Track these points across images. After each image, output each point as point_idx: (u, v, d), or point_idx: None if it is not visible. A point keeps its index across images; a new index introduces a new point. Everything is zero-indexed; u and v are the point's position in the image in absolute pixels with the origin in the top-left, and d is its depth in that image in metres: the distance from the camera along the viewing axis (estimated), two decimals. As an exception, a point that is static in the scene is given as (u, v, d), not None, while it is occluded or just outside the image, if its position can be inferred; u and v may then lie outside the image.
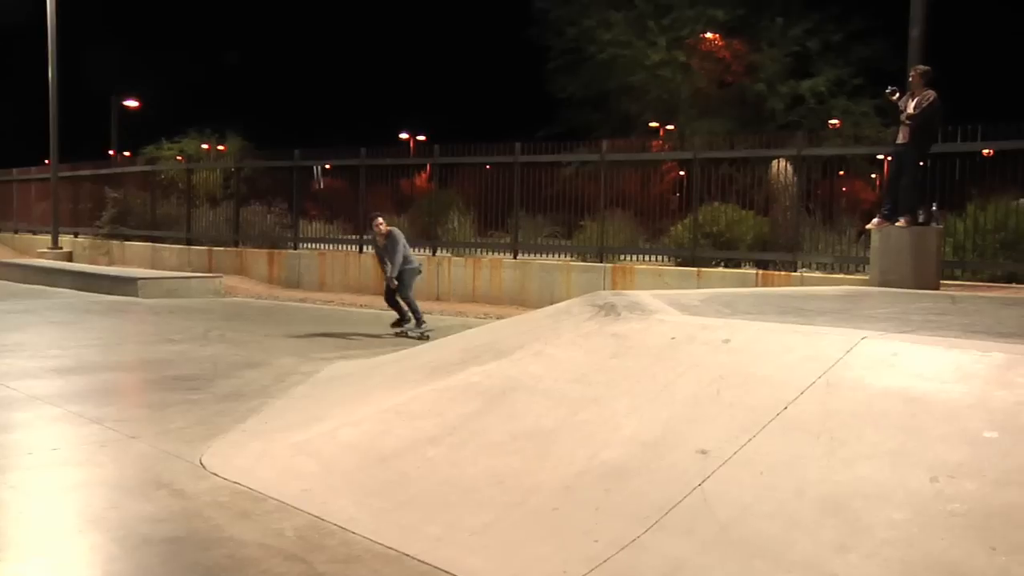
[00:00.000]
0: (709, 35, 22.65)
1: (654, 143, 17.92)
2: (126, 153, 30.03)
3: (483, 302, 13.79)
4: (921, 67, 9.98)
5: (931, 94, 9.65)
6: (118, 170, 23.40)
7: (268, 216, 18.61)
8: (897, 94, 9.86)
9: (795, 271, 11.86)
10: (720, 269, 12.48)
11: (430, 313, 12.80)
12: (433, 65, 53.06)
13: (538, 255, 14.41)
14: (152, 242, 20.21)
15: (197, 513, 4.10)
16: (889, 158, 10.89)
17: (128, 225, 21.40)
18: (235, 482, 4.52)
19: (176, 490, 4.40)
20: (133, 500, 4.21)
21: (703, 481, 3.63)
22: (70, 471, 4.70)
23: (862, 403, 3.85)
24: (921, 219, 9.89)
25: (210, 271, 17.36)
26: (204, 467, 4.78)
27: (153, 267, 18.72)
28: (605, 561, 3.32)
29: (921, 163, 10.08)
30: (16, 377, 7.09)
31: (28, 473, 4.67)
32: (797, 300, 7.15)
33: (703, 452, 3.82)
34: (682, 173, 14.37)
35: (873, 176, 17.21)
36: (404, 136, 43.24)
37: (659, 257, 13.41)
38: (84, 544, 3.73)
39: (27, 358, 8.06)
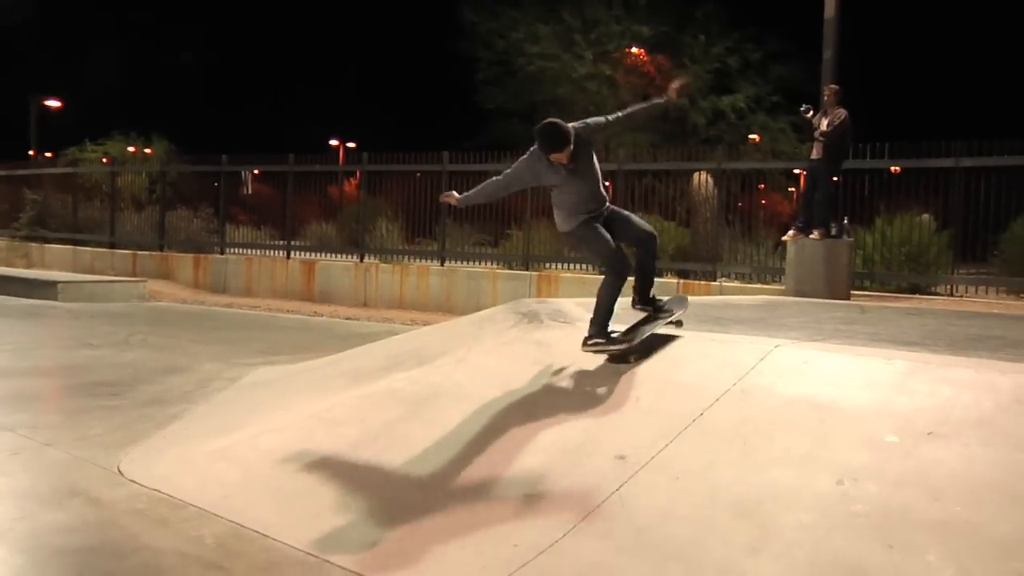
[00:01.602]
0: (634, 50, 23.01)
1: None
2: (47, 154, 29.03)
3: (410, 308, 13.71)
4: (833, 86, 10.33)
5: (842, 112, 9.99)
6: (38, 171, 22.58)
7: (194, 221, 18.24)
8: (811, 112, 10.16)
9: (715, 281, 12.07)
10: (643, 278, 12.62)
11: (357, 319, 12.71)
12: (364, 74, 52.63)
13: (465, 263, 14.40)
14: (74, 245, 19.60)
15: (113, 521, 3.97)
16: (804, 173, 11.19)
17: (48, 227, 20.70)
18: (154, 489, 4.39)
19: (92, 498, 4.26)
20: (45, 510, 4.05)
21: (621, 486, 3.66)
22: (-21, 480, 4.50)
23: (774, 409, 3.93)
24: (833, 232, 10.18)
25: (134, 275, 16.90)
26: (122, 474, 4.63)
27: (75, 270, 18.13)
28: (524, 565, 3.32)
29: (834, 178, 10.39)
30: (-75, 383, 6.79)
31: (-66, 482, 4.46)
32: (716, 309, 7.27)
33: (621, 457, 3.85)
34: (607, 184, 14.50)
35: (790, 190, 17.66)
36: (334, 143, 42.77)
37: (584, 266, 13.52)
38: (-9, 555, 3.57)
39: (-63, 363, 7.72)
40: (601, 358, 4.80)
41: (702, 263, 12.58)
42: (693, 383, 4.29)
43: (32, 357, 8.51)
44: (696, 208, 13.26)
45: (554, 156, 4.81)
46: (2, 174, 22.73)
